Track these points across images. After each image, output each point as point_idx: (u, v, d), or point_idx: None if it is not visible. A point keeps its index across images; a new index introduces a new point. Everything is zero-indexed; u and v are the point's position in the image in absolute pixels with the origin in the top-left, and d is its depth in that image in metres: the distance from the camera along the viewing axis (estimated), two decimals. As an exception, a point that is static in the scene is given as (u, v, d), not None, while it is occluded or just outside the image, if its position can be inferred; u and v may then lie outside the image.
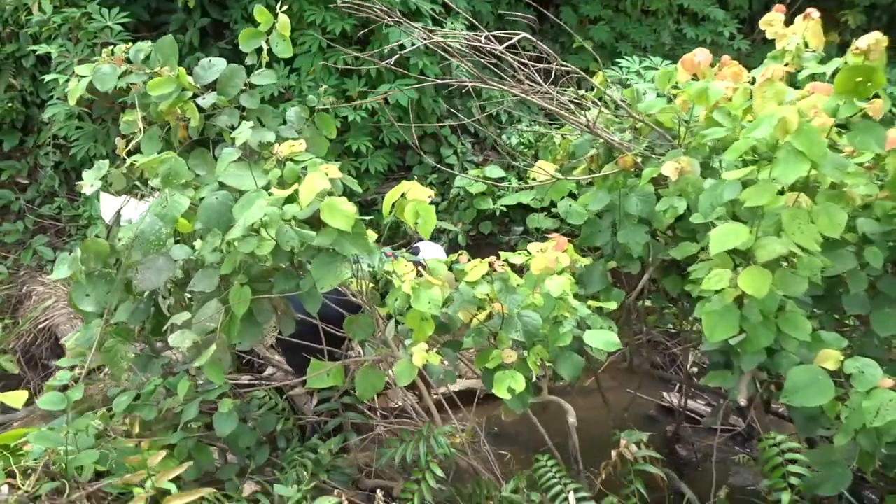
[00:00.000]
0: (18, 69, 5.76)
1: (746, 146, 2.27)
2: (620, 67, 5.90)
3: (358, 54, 4.58)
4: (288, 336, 2.89)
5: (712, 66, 3.03)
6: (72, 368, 2.49)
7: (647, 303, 3.71)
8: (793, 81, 2.78)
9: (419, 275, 2.47)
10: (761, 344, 2.44)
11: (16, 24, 5.63)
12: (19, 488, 2.06)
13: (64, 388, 2.28)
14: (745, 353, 2.51)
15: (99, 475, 2.33)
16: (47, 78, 5.07)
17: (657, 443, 4.01)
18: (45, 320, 4.72)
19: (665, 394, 4.56)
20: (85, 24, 5.19)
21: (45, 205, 5.84)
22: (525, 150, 5.69)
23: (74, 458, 2.10)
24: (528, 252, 2.75)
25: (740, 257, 2.50)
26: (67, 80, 4.09)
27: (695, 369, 4.61)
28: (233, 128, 2.60)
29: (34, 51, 5.32)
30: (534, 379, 2.59)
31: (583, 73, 3.37)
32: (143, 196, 2.71)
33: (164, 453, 2.19)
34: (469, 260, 2.73)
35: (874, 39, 2.05)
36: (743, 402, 2.56)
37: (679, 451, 4.09)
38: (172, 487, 2.04)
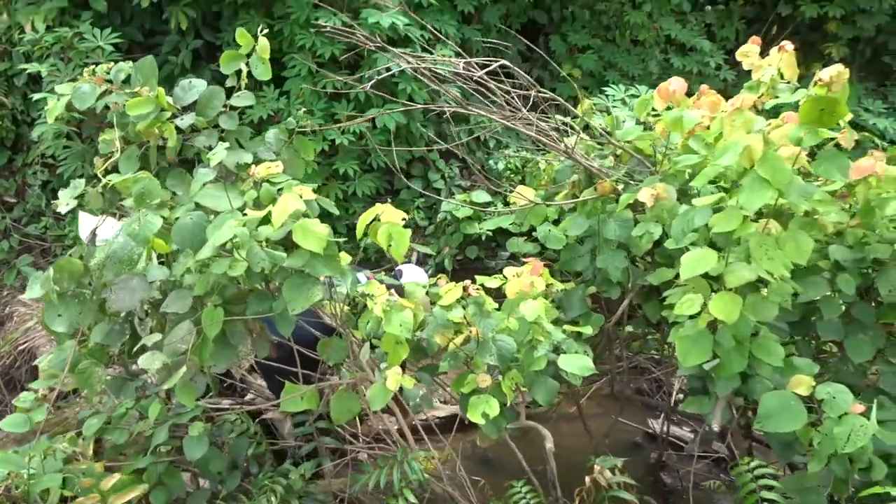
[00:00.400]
0: (10, 87, 5.79)
1: (714, 173, 2.31)
2: (606, 95, 5.98)
3: (346, 79, 4.63)
4: (268, 360, 2.88)
5: (689, 94, 3.08)
6: (50, 391, 2.47)
7: (630, 329, 3.71)
8: (777, 111, 2.82)
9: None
10: (734, 369, 2.45)
11: (9, 43, 5.67)
12: (-24, 512, 2.03)
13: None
14: (719, 379, 2.51)
15: (66, 500, 2.29)
16: (36, 97, 5.09)
17: (642, 470, 3.99)
18: (26, 342, 4.67)
19: (650, 420, 4.54)
20: (77, 44, 5.23)
21: (32, 224, 5.82)
22: (512, 176, 5.73)
23: (38, 481, 2.07)
24: (504, 276, 2.76)
25: (715, 283, 2.52)
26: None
27: (681, 396, 4.59)
28: (211, 148, 2.61)
29: (25, 69, 5.34)
30: (508, 404, 2.58)
31: (562, 101, 3.41)
32: (121, 216, 2.71)
33: (116, 476, 2.15)
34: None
35: (836, 71, 2.09)
36: (716, 427, 2.55)
37: (664, 479, 4.06)
38: (129, 509, 2.01)
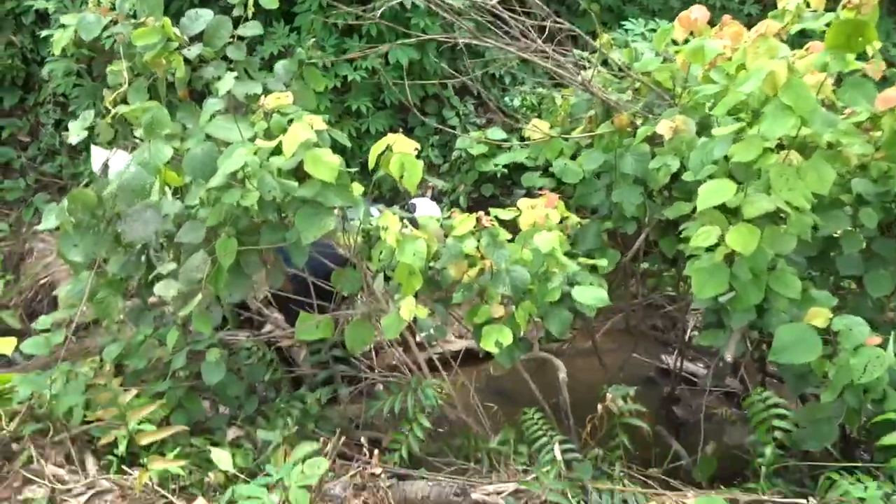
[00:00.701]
0: (18, 26, 5.71)
1: (735, 101, 2.23)
2: (625, 30, 5.79)
3: (358, 11, 4.51)
4: (285, 293, 2.89)
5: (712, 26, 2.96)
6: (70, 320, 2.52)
7: (646, 265, 3.69)
8: (801, 43, 2.71)
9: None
10: (751, 301, 2.44)
11: (15, -20, 5.58)
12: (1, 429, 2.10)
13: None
14: (735, 311, 2.50)
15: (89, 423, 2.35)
16: (45, 33, 5.02)
17: (655, 404, 4.03)
18: (46, 276, 4.77)
19: (664, 356, 4.56)
20: (83, -20, 5.14)
21: (47, 163, 5.84)
22: (528, 113, 5.61)
23: (60, 401, 2.13)
24: (518, 209, 2.73)
25: (733, 217, 2.48)
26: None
27: (695, 333, 4.60)
28: (220, 79, 2.57)
29: (32, 6, 5.26)
30: (522, 334, 2.59)
31: (580, 32, 3.31)
32: (133, 148, 2.70)
33: (134, 391, 2.21)
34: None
35: (867, -7, 1.98)
36: (730, 358, 2.55)
37: (676, 412, 4.10)
38: (148, 426, 2.07)
